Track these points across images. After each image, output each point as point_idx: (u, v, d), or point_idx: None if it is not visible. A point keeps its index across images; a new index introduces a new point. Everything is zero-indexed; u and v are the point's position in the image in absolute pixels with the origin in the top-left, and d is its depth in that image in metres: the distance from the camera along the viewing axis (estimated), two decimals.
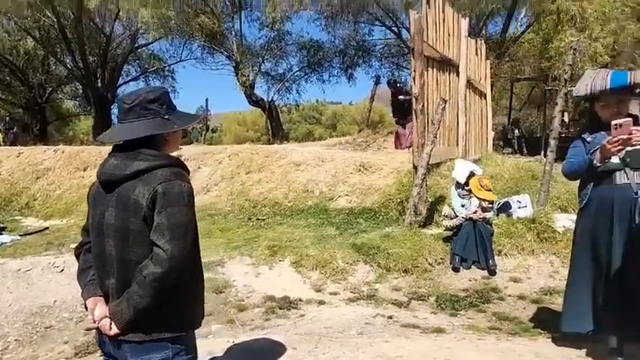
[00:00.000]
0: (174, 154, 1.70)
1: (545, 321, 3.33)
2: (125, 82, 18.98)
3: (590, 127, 2.57)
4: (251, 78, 16.06)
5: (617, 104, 2.38)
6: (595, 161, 2.33)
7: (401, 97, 9.06)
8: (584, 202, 2.51)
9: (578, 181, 2.63)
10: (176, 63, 18.73)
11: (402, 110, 8.90)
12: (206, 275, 4.21)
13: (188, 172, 1.67)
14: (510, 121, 15.40)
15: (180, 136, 1.80)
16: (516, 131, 13.83)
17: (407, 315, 3.60)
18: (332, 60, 16.94)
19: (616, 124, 2.21)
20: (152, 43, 17.33)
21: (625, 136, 2.18)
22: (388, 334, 3.17)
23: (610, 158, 2.31)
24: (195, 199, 1.64)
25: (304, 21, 21.89)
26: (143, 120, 1.58)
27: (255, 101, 16.60)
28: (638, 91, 2.52)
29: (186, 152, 8.12)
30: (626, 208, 2.29)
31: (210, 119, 20.66)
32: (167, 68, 19.43)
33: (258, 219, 6.32)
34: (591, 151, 2.41)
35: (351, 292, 4.08)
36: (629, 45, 9.16)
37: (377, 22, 15.20)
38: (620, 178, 2.34)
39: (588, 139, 2.49)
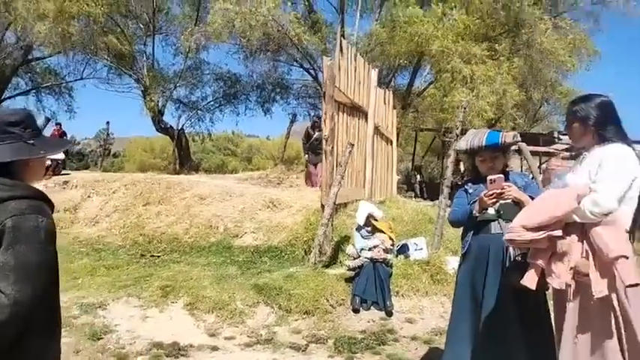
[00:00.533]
0: (41, 184, 1.49)
1: None
2: (12, 97, 17.04)
3: (472, 179, 2.83)
4: (160, 104, 15.43)
5: (491, 159, 2.66)
6: (474, 212, 2.57)
7: (316, 133, 9.28)
8: (465, 248, 2.72)
9: (462, 228, 2.84)
10: (75, 81, 17.39)
11: (314, 148, 9.11)
12: (83, 319, 3.75)
13: (52, 205, 1.46)
14: (414, 167, 16.65)
15: (44, 164, 1.59)
16: (418, 177, 14.96)
17: (304, 359, 3.50)
18: (249, 93, 17.03)
19: (490, 179, 2.48)
20: (49, 57, 15.91)
21: (498, 191, 2.44)
22: None
23: (486, 209, 2.55)
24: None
25: (223, 53, 21.93)
26: (1, 145, 1.38)
27: (163, 128, 15.88)
28: (514, 147, 2.85)
29: (76, 179, 7.38)
30: (500, 255, 2.52)
31: (112, 143, 19.18)
32: (64, 85, 17.83)
33: (152, 255, 5.87)
34: (471, 202, 2.64)
35: (248, 336, 3.88)
36: (509, 106, 10.59)
37: (295, 63, 15.73)
38: (495, 227, 2.58)
39: (470, 191, 2.73)
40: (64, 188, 7.80)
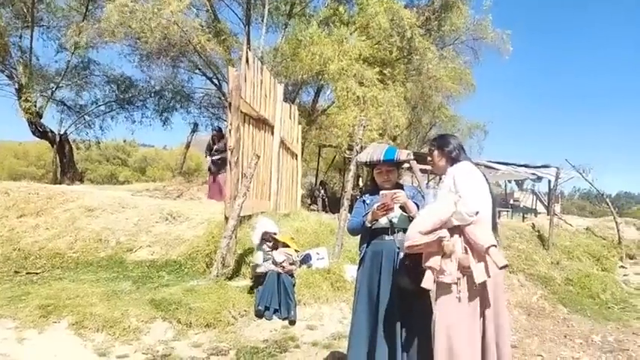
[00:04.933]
0: None
1: None
2: None
3: (369, 190, 3.09)
4: (38, 105, 13.66)
5: (387, 173, 2.97)
6: (367, 222, 2.84)
7: (217, 144, 9.11)
8: (361, 254, 2.96)
9: (359, 236, 3.08)
10: None
11: (217, 160, 8.94)
12: None
13: None
14: (317, 182, 17.17)
15: None
16: (322, 191, 15.44)
17: None
18: (146, 100, 15.80)
19: (383, 194, 2.77)
20: None
21: (388, 203, 2.73)
22: None
23: (378, 220, 2.84)
24: None
25: (114, 53, 20.04)
26: None
27: (42, 132, 13.98)
28: (406, 165, 3.22)
29: None
30: (391, 260, 2.80)
31: None
32: None
33: (28, 273, 5.23)
34: (365, 213, 2.89)
35: (143, 353, 3.65)
36: (393, 126, 11.58)
37: (197, 71, 15.20)
38: (388, 235, 2.87)
39: (367, 201, 2.99)
40: None
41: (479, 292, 2.50)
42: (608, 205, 9.01)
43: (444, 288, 2.50)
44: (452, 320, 2.46)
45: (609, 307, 6.11)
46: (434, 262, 2.49)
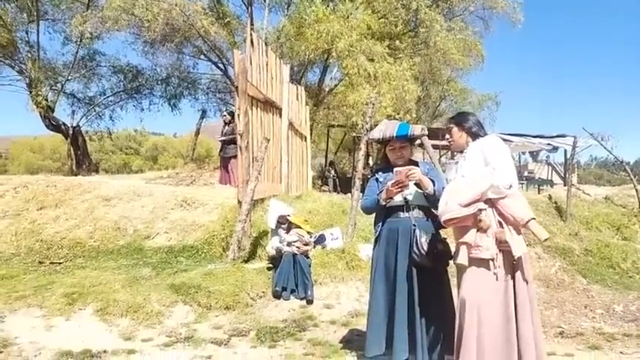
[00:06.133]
0: None
1: (352, 341, 3.69)
2: None
3: (382, 168, 3.06)
4: (50, 98, 13.75)
5: (400, 149, 2.92)
6: (381, 200, 2.80)
7: (226, 128, 9.10)
8: (377, 233, 2.95)
9: (374, 215, 3.07)
10: None
11: (225, 144, 8.96)
12: None
13: None
14: (327, 163, 17.15)
15: None
16: (332, 172, 15.43)
17: (226, 353, 3.50)
18: (153, 88, 15.76)
19: (397, 171, 2.73)
20: None
21: (403, 180, 2.69)
22: None
23: (393, 198, 2.80)
24: None
25: (119, 43, 19.79)
26: None
27: (55, 125, 14.16)
28: (417, 141, 3.17)
29: None
30: (407, 237, 2.77)
31: None
32: None
33: (52, 262, 5.37)
34: (379, 191, 2.86)
35: (167, 336, 3.76)
36: (408, 100, 11.36)
37: (202, 57, 15.09)
38: (403, 213, 2.84)
39: (380, 179, 2.96)
40: None
41: (514, 268, 2.44)
42: (627, 172, 8.80)
43: (479, 264, 2.44)
44: (485, 297, 2.40)
45: (630, 277, 6.03)
46: (469, 237, 2.43)
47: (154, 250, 5.82)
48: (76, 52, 14.06)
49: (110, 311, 3.92)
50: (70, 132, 14.24)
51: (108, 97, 15.83)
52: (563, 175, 18.01)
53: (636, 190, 8.07)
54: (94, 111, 15.80)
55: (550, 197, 8.42)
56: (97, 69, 15.22)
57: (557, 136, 14.74)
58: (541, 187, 15.14)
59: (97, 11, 11.96)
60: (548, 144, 15.22)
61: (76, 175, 10.68)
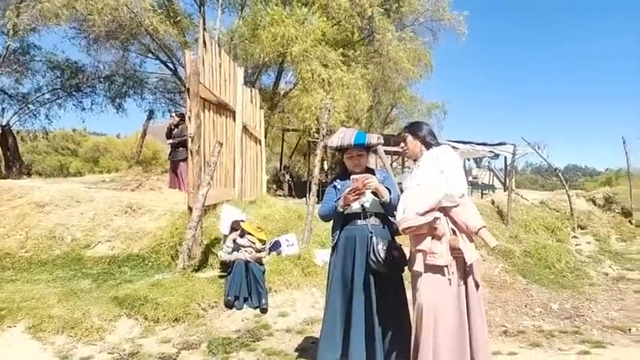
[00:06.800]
0: None
1: (308, 349, 3.63)
2: None
3: (339, 175, 3.04)
4: None
5: (357, 157, 2.92)
6: (339, 207, 2.79)
7: (175, 130, 8.74)
8: (334, 240, 2.92)
9: (332, 222, 3.03)
10: None
11: (176, 147, 8.61)
12: None
13: None
14: (282, 167, 17.02)
15: None
16: (287, 176, 15.33)
17: None
18: (95, 86, 14.86)
19: (354, 178, 2.73)
20: None
21: (360, 187, 2.69)
22: None
23: (350, 205, 2.79)
24: None
25: (57, 37, 18.49)
26: None
27: None
28: (373, 149, 3.18)
29: None
30: (364, 244, 2.77)
31: None
32: None
33: None
34: (337, 198, 2.85)
35: (108, 353, 3.51)
36: (359, 109, 11.52)
37: (150, 55, 14.44)
38: (360, 220, 2.84)
39: (338, 186, 2.94)
40: None
41: (465, 273, 2.52)
42: (560, 179, 9.46)
43: (434, 270, 2.48)
44: (441, 302, 2.45)
45: (564, 276, 6.47)
46: (425, 244, 2.46)
47: (94, 260, 5.45)
48: (7, 45, 12.97)
49: (44, 328, 3.61)
50: None
51: (43, 94, 14.69)
52: (502, 180, 19.06)
53: (568, 196, 8.69)
54: (28, 109, 14.63)
55: (493, 202, 8.87)
56: (30, 63, 14.08)
57: (499, 144, 15.62)
58: (484, 192, 15.93)
59: (34, 3, 11.10)
60: (491, 151, 16.08)
61: (5, 179, 9.82)
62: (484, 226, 2.52)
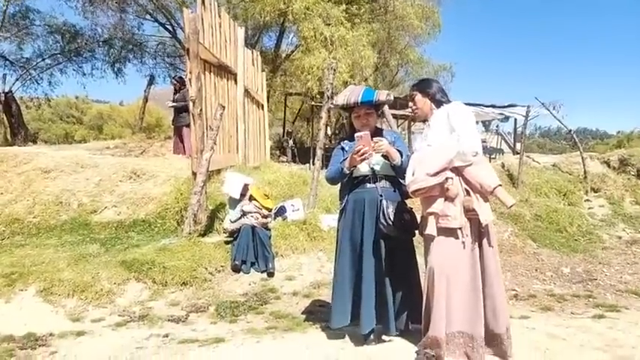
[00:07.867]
0: None
1: (315, 312, 3.64)
2: None
3: (347, 136, 2.92)
4: None
5: (365, 116, 2.78)
6: (344, 169, 2.67)
7: (177, 94, 8.55)
8: (343, 204, 2.84)
9: (340, 186, 2.94)
10: None
11: (177, 111, 8.45)
12: None
13: None
14: (285, 132, 16.83)
15: None
16: (290, 141, 15.17)
17: (185, 330, 3.35)
18: (94, 50, 14.53)
19: (357, 136, 2.58)
20: None
21: (365, 148, 2.55)
22: (163, 354, 2.85)
23: (356, 166, 2.67)
24: None
25: (54, 0, 17.98)
26: None
27: None
28: (380, 111, 3.03)
29: None
30: (374, 207, 2.68)
31: None
32: None
33: None
34: (343, 160, 2.73)
35: (119, 315, 3.55)
36: (364, 67, 11.15)
37: (148, 17, 13.98)
38: (370, 183, 2.74)
39: (346, 148, 2.81)
40: None
41: (480, 235, 2.42)
42: (575, 141, 9.20)
43: (447, 233, 2.38)
44: (454, 266, 2.36)
45: (576, 240, 6.39)
46: (437, 206, 2.36)
47: (101, 225, 5.46)
48: (5, 9, 12.61)
49: (55, 291, 3.64)
50: (2, 98, 12.94)
51: (44, 59, 14.44)
52: (511, 144, 18.79)
53: (582, 158, 8.49)
54: (30, 75, 14.41)
55: (503, 165, 8.71)
56: (30, 28, 13.76)
57: (509, 106, 15.22)
58: (492, 156, 15.73)
59: None
60: (501, 113, 15.71)
61: (11, 146, 9.78)
62: (500, 185, 2.39)
